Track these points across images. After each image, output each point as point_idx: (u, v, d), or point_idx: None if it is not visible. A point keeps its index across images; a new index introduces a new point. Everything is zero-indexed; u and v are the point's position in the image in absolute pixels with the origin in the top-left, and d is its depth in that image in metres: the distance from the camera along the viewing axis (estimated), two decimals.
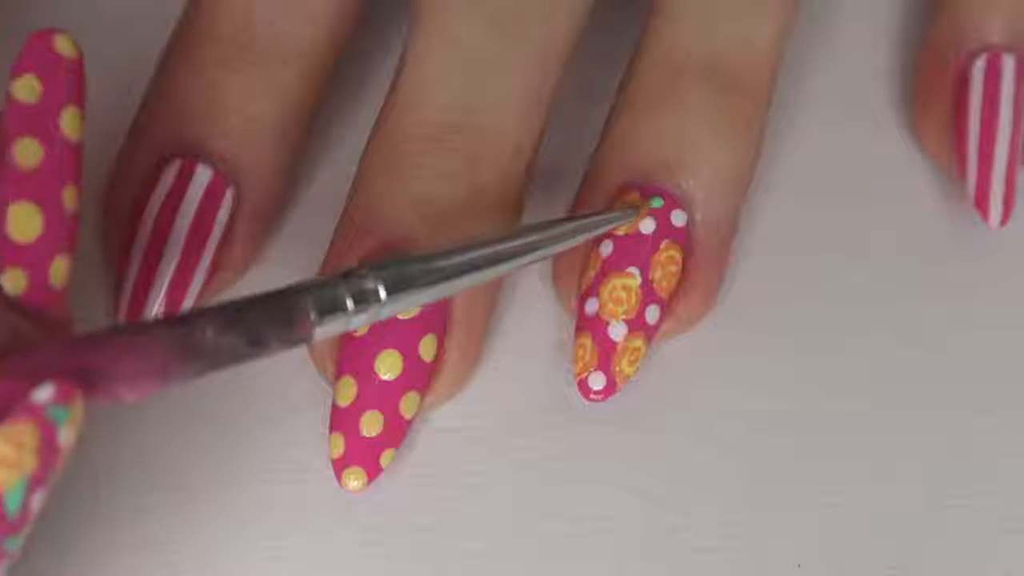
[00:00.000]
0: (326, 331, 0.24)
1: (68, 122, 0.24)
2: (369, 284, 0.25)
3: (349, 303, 0.25)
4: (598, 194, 0.30)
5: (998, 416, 0.30)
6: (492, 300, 0.30)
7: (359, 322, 0.25)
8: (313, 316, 0.24)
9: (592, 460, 0.29)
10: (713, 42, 0.30)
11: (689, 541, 0.29)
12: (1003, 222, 0.31)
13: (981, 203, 0.31)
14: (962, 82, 0.32)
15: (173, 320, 0.23)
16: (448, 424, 0.30)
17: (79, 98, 0.25)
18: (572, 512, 0.29)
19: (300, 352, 0.29)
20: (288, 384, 0.30)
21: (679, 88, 0.30)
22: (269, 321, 0.24)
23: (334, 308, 0.24)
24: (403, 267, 0.26)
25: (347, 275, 0.25)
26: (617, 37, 0.33)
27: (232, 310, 0.23)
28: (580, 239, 0.28)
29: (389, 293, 0.25)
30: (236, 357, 0.23)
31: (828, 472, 0.30)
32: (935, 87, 0.32)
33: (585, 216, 0.29)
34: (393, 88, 0.29)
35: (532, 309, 0.31)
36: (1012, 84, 0.31)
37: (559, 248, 0.28)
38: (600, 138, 0.31)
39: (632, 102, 0.30)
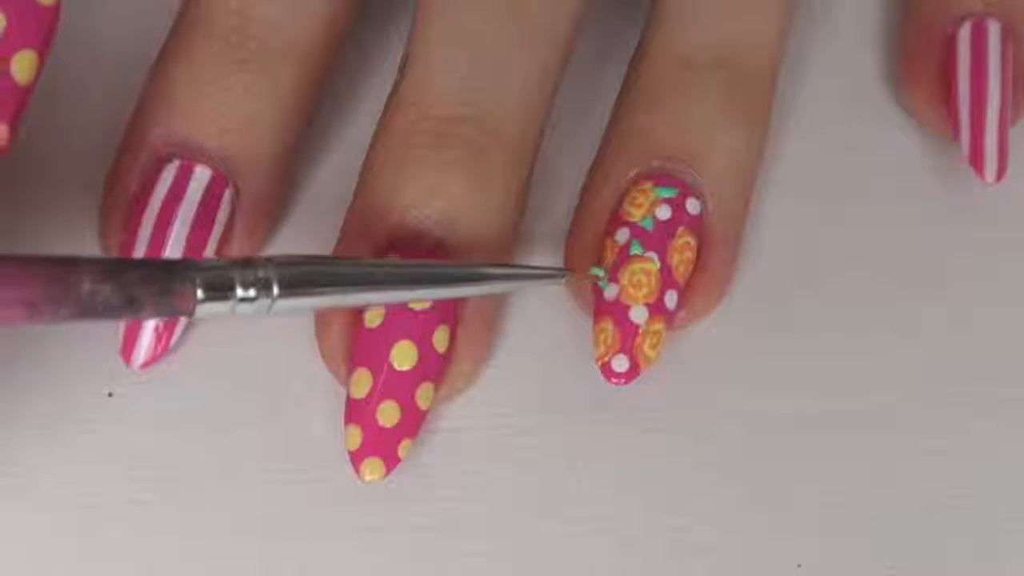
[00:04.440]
0: (211, 309, 0.25)
1: (21, 63, 0.25)
2: (264, 275, 0.25)
3: (239, 289, 0.25)
4: (609, 185, 0.30)
5: (998, 416, 0.30)
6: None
7: (246, 310, 0.25)
8: (200, 293, 0.24)
9: (592, 460, 0.29)
10: (717, 38, 0.30)
11: (689, 541, 0.29)
12: (999, 177, 0.31)
13: (976, 160, 0.31)
14: (949, 49, 0.32)
15: (52, 259, 0.23)
16: (448, 424, 0.30)
17: (40, 45, 0.26)
18: (572, 512, 0.29)
19: (303, 352, 0.30)
20: (289, 383, 0.30)
21: (687, 81, 0.30)
22: (148, 285, 0.24)
23: (222, 288, 0.25)
24: (303, 267, 0.26)
25: (245, 263, 0.25)
26: (617, 37, 0.33)
27: (114, 265, 0.24)
28: (501, 287, 0.28)
29: (283, 288, 0.25)
30: (108, 311, 0.24)
31: (828, 472, 0.30)
32: (922, 56, 0.33)
33: (520, 267, 0.29)
34: (398, 80, 0.30)
35: (532, 309, 0.31)
36: (998, 47, 0.32)
37: (478, 291, 0.28)
38: (606, 132, 0.31)
39: (640, 95, 0.30)
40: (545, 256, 0.31)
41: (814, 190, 0.33)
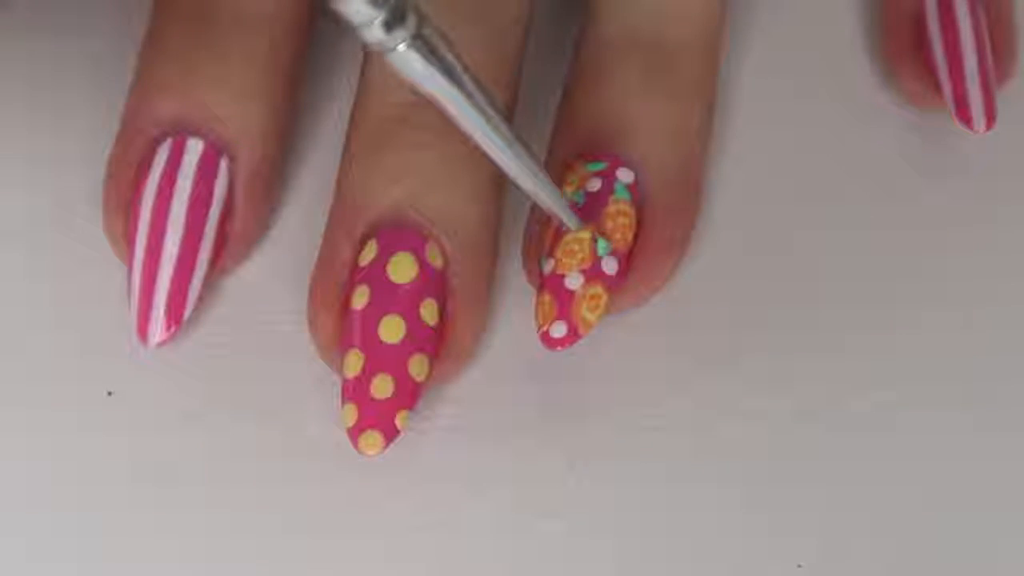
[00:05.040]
0: (357, 6, 0.24)
1: None
2: (416, 19, 0.24)
3: (385, 11, 0.24)
4: (551, 171, 0.30)
5: (998, 416, 0.30)
6: (492, 271, 0.30)
7: (378, 34, 0.24)
8: None
9: (592, 460, 0.29)
10: (636, 16, 0.31)
11: (689, 541, 0.29)
12: (988, 126, 0.31)
13: (961, 111, 0.32)
14: (919, 16, 0.33)
15: None
16: (448, 424, 0.30)
17: None
18: (572, 512, 0.29)
19: (301, 352, 0.30)
20: (288, 383, 0.30)
21: (609, 61, 0.31)
22: None
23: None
24: (442, 40, 0.25)
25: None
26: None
27: None
28: (545, 188, 0.28)
29: (418, 36, 0.25)
30: None
31: (828, 472, 0.30)
32: (897, 31, 0.33)
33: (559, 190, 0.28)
34: (361, 78, 0.30)
35: (528, 308, 0.31)
36: (965, 6, 0.33)
37: (530, 173, 0.27)
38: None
39: (570, 82, 0.31)
40: (516, 242, 0.31)
41: (814, 189, 0.33)
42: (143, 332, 0.29)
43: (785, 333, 0.31)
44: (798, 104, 0.34)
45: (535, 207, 0.31)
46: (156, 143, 0.30)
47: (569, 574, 0.29)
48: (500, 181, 0.30)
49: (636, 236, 0.30)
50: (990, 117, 0.31)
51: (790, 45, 0.34)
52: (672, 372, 0.30)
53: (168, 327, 0.29)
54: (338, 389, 0.29)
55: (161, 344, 0.29)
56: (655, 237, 0.30)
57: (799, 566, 0.29)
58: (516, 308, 0.31)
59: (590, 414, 0.30)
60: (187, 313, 0.29)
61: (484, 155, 0.27)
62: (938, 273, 0.32)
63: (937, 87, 0.32)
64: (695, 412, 0.30)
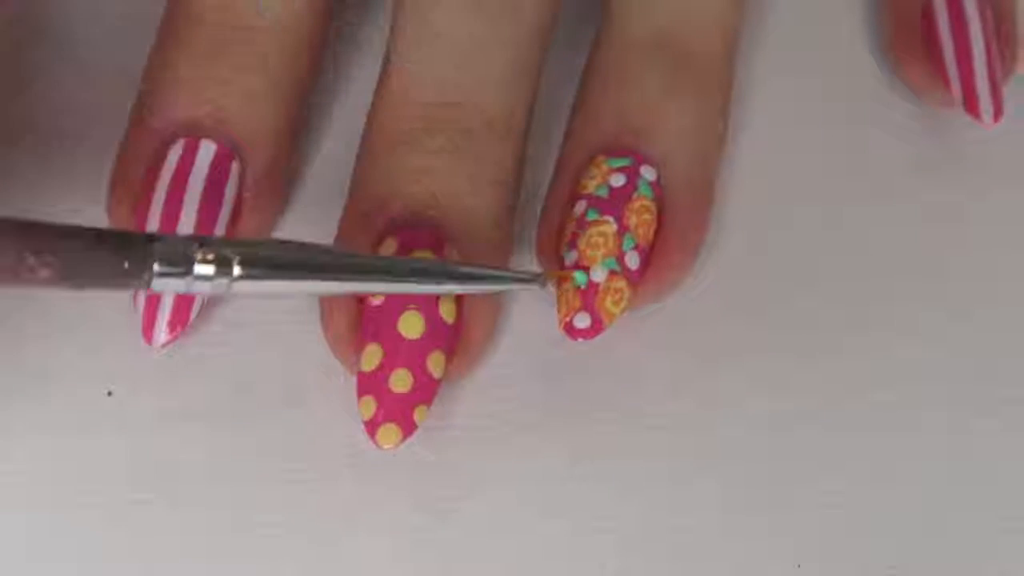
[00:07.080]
0: (166, 284, 0.25)
1: None
2: (224, 253, 0.25)
3: (197, 266, 0.25)
4: (567, 172, 0.30)
5: (998, 416, 0.30)
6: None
7: (203, 287, 0.25)
8: (156, 267, 0.25)
9: (592, 460, 0.29)
10: (660, 18, 0.31)
11: (689, 541, 0.29)
12: (996, 118, 0.32)
13: (971, 105, 0.32)
14: (927, 13, 0.33)
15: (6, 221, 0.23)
16: (449, 423, 0.30)
17: None
18: (573, 511, 0.29)
19: (302, 352, 0.30)
20: (289, 383, 0.30)
21: (633, 63, 0.31)
22: (103, 254, 0.24)
23: (179, 263, 0.25)
24: (263, 248, 0.26)
25: (204, 241, 0.25)
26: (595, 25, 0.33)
27: (71, 232, 0.24)
28: (471, 288, 0.28)
29: (243, 268, 0.25)
30: (47, 283, 0.24)
31: (828, 472, 0.30)
32: (904, 27, 0.34)
33: (490, 268, 0.28)
34: (382, 78, 0.30)
35: (533, 308, 0.31)
36: (974, 3, 0.33)
37: (439, 289, 0.28)
38: (567, 123, 0.31)
39: (592, 82, 0.31)
40: (517, 243, 0.31)
41: (815, 189, 0.33)
42: (148, 334, 0.29)
43: (785, 333, 0.31)
44: (797, 104, 0.34)
45: (547, 202, 0.30)
46: (167, 143, 0.30)
47: (571, 574, 0.29)
48: (515, 185, 0.30)
49: (656, 233, 0.30)
50: (998, 111, 0.32)
51: (791, 45, 0.34)
52: (674, 372, 0.30)
53: (174, 329, 0.29)
54: (339, 388, 0.29)
55: (165, 346, 0.29)
56: (676, 234, 0.30)
57: (799, 566, 0.29)
58: (519, 307, 0.31)
59: (593, 413, 0.30)
60: (193, 315, 0.29)
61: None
62: (938, 273, 0.32)
63: (945, 81, 0.32)
64: (697, 412, 0.30)
